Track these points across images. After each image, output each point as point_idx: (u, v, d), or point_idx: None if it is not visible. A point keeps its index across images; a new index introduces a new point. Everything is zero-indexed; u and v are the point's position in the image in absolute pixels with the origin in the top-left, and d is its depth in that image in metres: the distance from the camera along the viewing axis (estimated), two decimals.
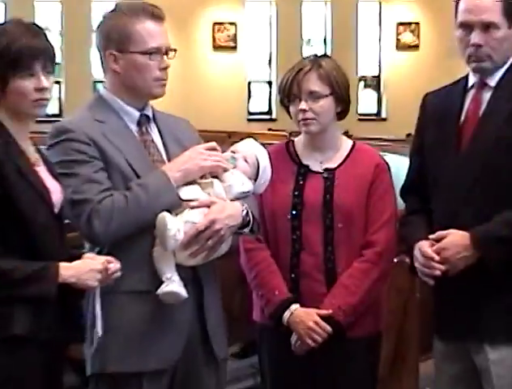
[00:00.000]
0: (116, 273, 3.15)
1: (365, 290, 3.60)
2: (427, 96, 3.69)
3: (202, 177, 3.38)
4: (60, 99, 17.88)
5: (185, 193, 3.31)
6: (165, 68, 3.41)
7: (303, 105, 3.61)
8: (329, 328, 3.54)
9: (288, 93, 3.66)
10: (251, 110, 19.28)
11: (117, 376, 3.31)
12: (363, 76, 19.32)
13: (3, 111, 3.10)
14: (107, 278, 3.13)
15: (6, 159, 3.02)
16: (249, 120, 18.39)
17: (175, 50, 3.47)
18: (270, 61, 19.35)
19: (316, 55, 3.76)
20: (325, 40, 19.36)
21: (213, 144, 3.46)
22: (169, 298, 3.26)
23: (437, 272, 3.36)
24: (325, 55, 3.79)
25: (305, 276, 3.64)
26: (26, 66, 3.03)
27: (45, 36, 3.15)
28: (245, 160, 3.46)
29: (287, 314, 3.57)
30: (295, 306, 3.58)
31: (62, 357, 3.27)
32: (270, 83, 18.91)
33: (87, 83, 15.33)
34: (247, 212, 3.39)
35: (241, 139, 3.69)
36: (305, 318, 3.55)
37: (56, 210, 3.16)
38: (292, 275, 3.63)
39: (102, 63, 3.45)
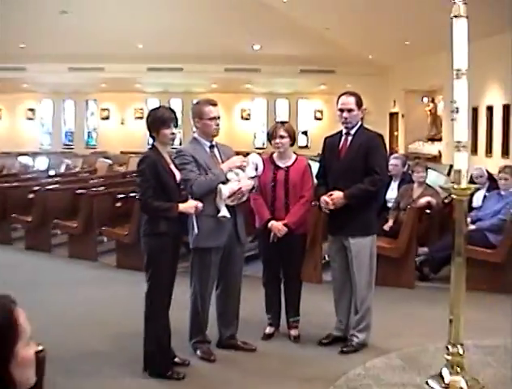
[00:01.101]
0: (200, 208, 3.45)
1: (300, 215, 3.93)
2: (326, 139, 3.96)
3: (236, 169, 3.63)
4: (180, 139, 19.06)
5: (229, 175, 3.60)
6: (217, 124, 3.62)
7: (277, 141, 3.94)
8: (286, 229, 3.88)
9: (271, 136, 3.97)
10: (256, 145, 21.05)
11: (201, 249, 3.61)
12: (300, 130, 20.82)
13: (158, 142, 3.41)
14: (197, 210, 3.43)
15: (159, 162, 3.36)
16: (255, 148, 19.52)
17: (220, 117, 3.67)
18: (263, 124, 21.02)
19: (282, 121, 4.11)
20: (286, 116, 20.41)
21: (240, 156, 3.78)
22: (223, 217, 3.53)
23: (331, 208, 3.72)
24: (286, 121, 4.22)
25: (277, 210, 3.96)
26: (167, 124, 3.36)
27: (175, 113, 3.45)
28: (252, 162, 3.75)
29: (269, 224, 3.91)
30: (273, 221, 3.92)
31: (180, 241, 3.56)
32: (263, 132, 19.95)
33: (191, 132, 15.26)
34: (253, 184, 3.69)
35: (249, 153, 3.96)
36: (277, 225, 3.91)
37: (177, 182, 3.45)
38: (272, 209, 3.98)
39: (194, 124, 3.68)
